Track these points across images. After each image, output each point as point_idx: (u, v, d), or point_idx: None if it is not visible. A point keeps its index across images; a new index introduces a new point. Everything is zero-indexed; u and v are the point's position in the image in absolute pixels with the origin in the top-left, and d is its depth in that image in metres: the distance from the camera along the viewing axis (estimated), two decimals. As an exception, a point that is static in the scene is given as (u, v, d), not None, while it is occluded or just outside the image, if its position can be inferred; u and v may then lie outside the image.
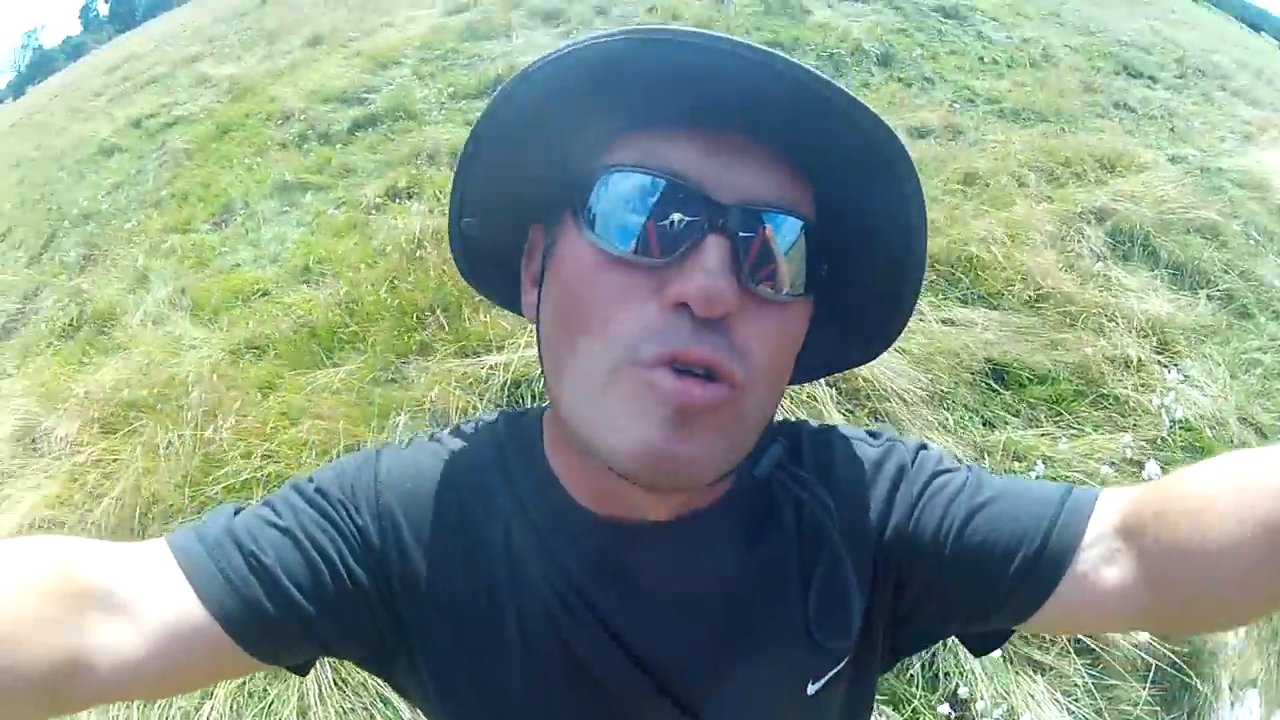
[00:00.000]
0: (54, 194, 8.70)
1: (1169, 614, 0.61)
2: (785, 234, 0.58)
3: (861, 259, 0.64)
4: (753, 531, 0.70)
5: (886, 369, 3.41)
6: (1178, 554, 0.57)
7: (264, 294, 5.01)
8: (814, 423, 0.78)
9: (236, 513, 0.65)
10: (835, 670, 0.69)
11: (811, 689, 0.68)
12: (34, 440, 4.30)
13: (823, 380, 3.21)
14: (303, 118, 7.87)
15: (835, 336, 0.71)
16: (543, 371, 0.65)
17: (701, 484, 0.60)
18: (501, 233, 0.70)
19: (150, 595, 0.57)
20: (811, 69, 0.53)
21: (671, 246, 0.56)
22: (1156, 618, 0.61)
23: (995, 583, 0.65)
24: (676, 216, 0.56)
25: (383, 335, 4.03)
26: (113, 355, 4.83)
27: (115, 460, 3.82)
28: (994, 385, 3.55)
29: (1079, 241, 4.66)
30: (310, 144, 7.27)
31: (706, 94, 0.55)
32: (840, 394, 3.34)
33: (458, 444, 0.74)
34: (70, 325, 5.63)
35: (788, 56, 0.53)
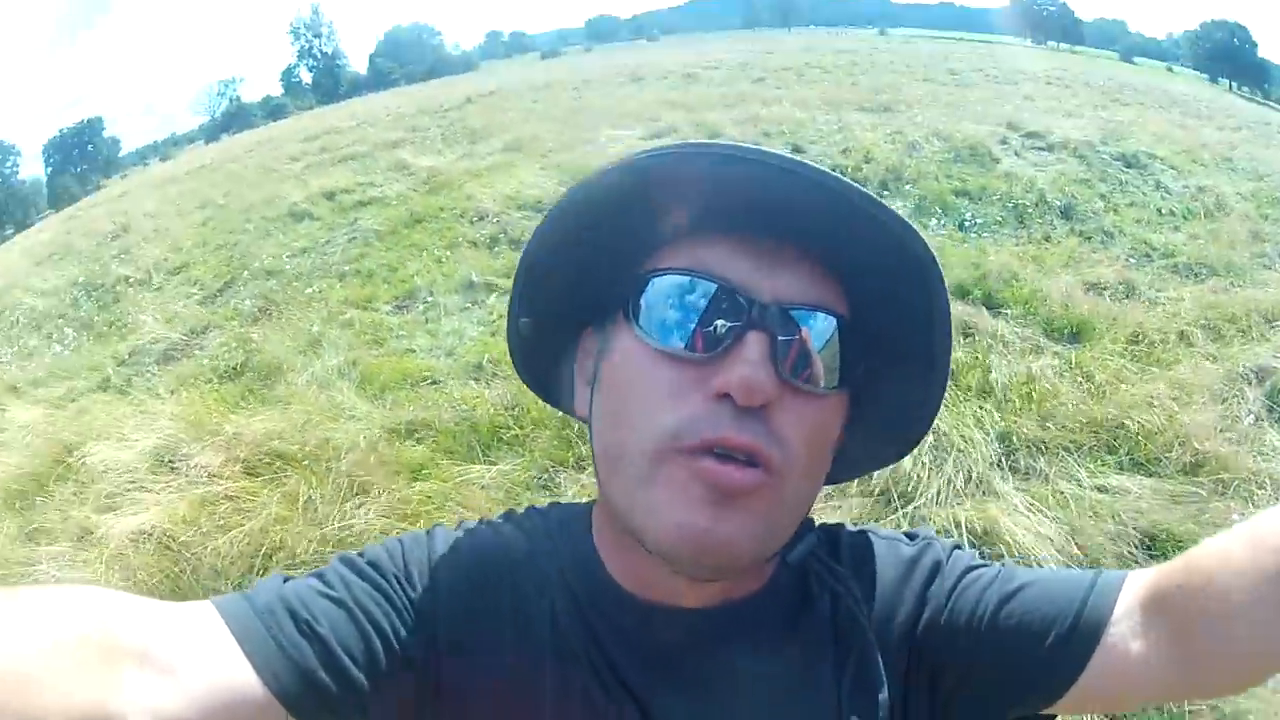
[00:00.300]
0: (237, 244, 9.31)
1: (1195, 678, 0.61)
2: (819, 331, 0.62)
3: (892, 359, 0.67)
4: (788, 623, 0.72)
5: (1034, 534, 3.34)
6: (1198, 618, 0.58)
7: (433, 382, 5.20)
8: (852, 525, 0.80)
9: (286, 581, 0.65)
10: None
11: None
12: (173, 462, 4.46)
13: (964, 540, 3.15)
14: (496, 220, 8.23)
15: (869, 436, 0.73)
16: (594, 464, 0.69)
17: (739, 566, 0.63)
18: (556, 335, 0.75)
19: (194, 656, 0.56)
20: (842, 179, 0.59)
21: (715, 343, 0.61)
22: (1185, 684, 0.62)
23: (1030, 660, 0.65)
24: (720, 316, 0.61)
25: (542, 443, 4.13)
26: (271, 406, 5.10)
27: (251, 500, 3.94)
28: (1141, 556, 3.44)
29: (1239, 403, 4.53)
30: (500, 247, 7.62)
31: (746, 204, 0.61)
32: (982, 556, 3.15)
33: (509, 527, 0.76)
34: (234, 369, 5.93)
35: (816, 166, 0.59)
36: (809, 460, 0.64)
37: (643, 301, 0.64)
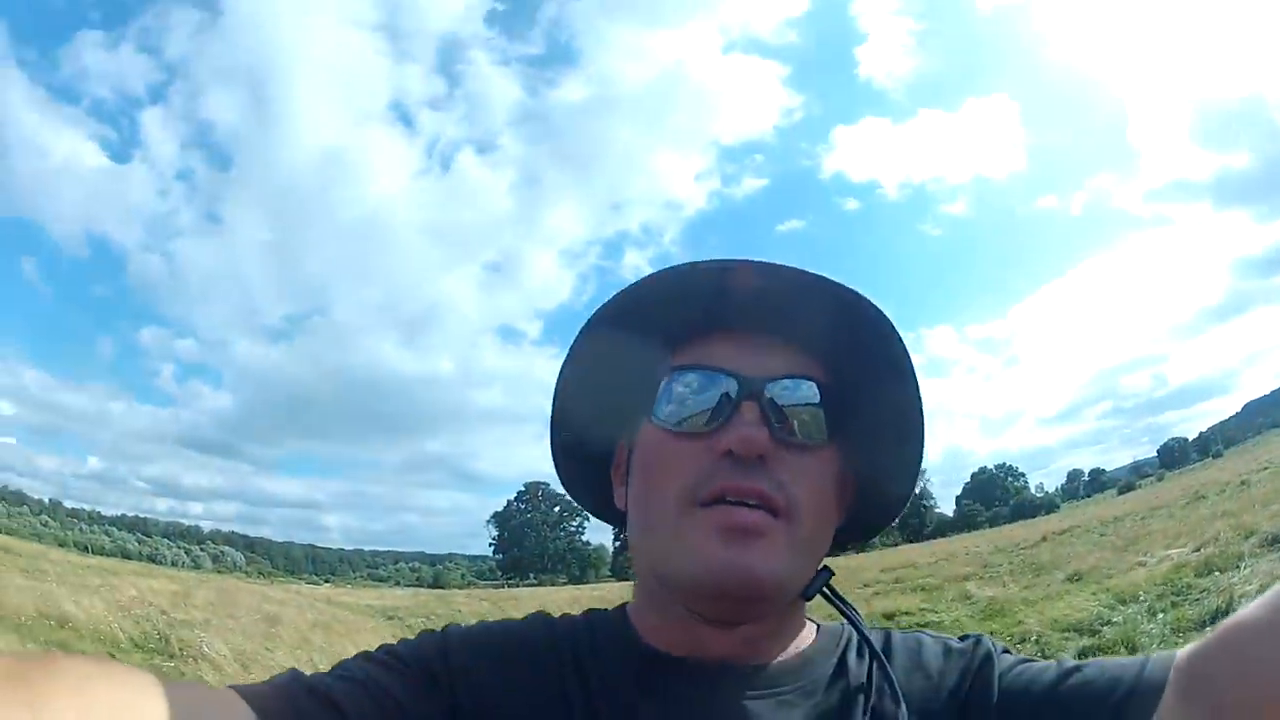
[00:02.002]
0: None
1: None
2: (802, 394, 0.76)
3: (872, 420, 0.79)
4: (816, 693, 0.77)
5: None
6: (1231, 696, 0.60)
7: None
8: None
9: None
10: None
11: None
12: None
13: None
14: (1035, 640, 9.01)
15: (868, 498, 0.85)
16: (630, 545, 0.83)
17: (758, 595, 0.72)
18: (591, 447, 0.89)
19: None
20: (807, 272, 0.76)
21: (718, 416, 0.75)
22: None
23: (1096, 711, 0.68)
24: (719, 394, 0.75)
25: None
26: None
27: None
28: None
29: None
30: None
31: (731, 307, 0.77)
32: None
33: (534, 616, 0.87)
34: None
35: (786, 266, 0.76)
36: (812, 505, 0.75)
37: (659, 396, 0.78)
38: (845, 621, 0.85)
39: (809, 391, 0.78)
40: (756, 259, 0.77)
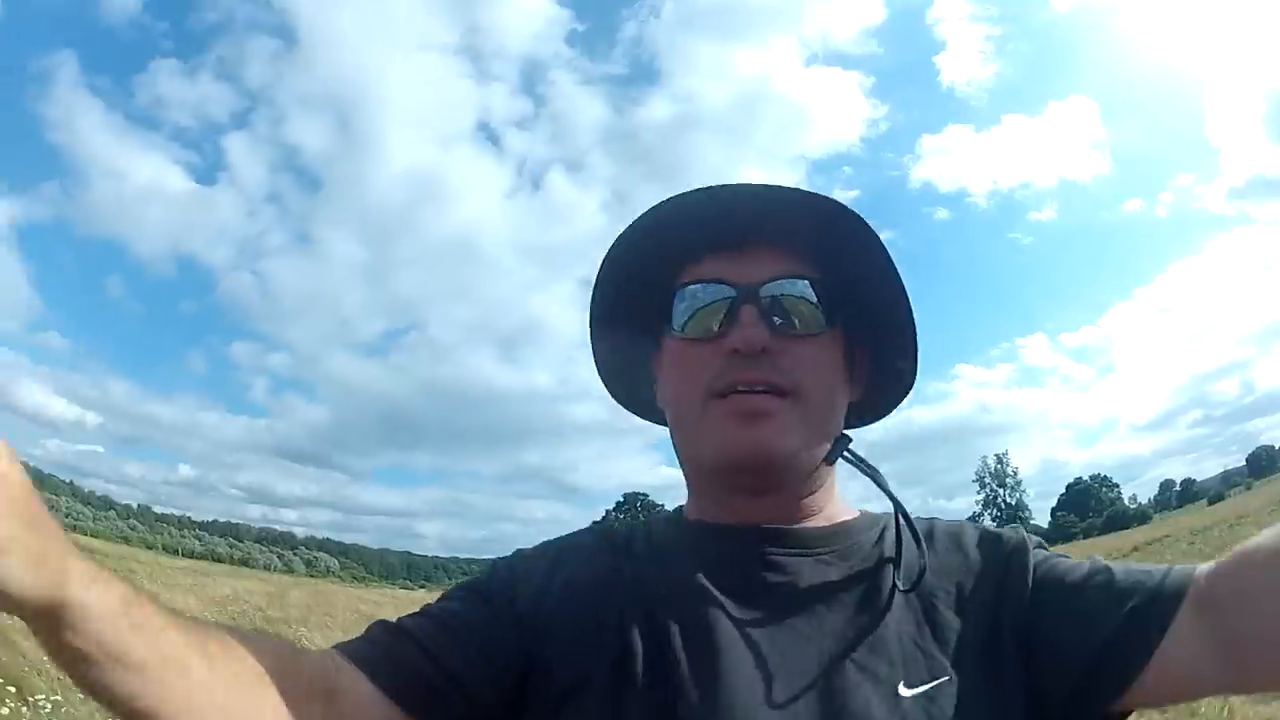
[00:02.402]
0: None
1: (1244, 674, 0.69)
2: (795, 290, 0.85)
3: (864, 304, 0.89)
4: (852, 558, 0.86)
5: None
6: (1245, 615, 0.67)
7: None
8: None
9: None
10: (935, 682, 0.76)
11: (905, 692, 0.75)
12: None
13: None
14: None
15: (877, 378, 0.95)
16: (671, 436, 0.93)
17: (777, 465, 0.83)
18: (637, 368, 0.99)
19: (341, 691, 0.72)
20: (784, 187, 0.86)
21: (723, 322, 0.85)
22: (1235, 678, 0.70)
23: (1110, 627, 0.74)
24: (720, 303, 0.85)
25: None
26: None
27: None
28: None
29: None
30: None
31: (724, 225, 0.86)
32: None
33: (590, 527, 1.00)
34: None
35: (766, 184, 0.85)
36: (816, 383, 0.84)
37: (673, 312, 0.89)
38: (891, 508, 0.89)
39: (801, 287, 0.86)
40: (741, 182, 0.86)
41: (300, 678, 0.69)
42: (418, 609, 0.85)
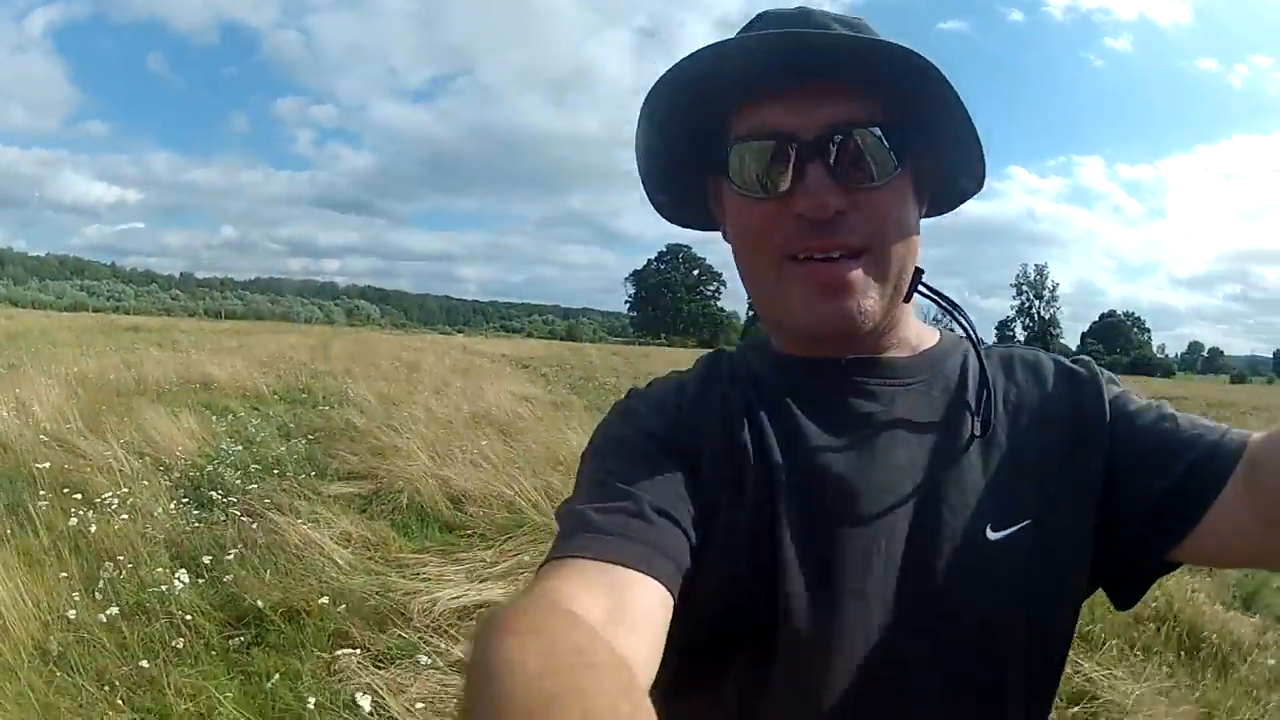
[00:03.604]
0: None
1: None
2: (862, 141, 0.77)
3: (930, 124, 0.80)
4: (935, 387, 0.86)
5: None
6: None
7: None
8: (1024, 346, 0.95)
9: (583, 508, 0.75)
10: (1019, 525, 0.78)
11: (992, 535, 0.78)
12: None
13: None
14: None
15: (946, 180, 0.89)
16: (742, 279, 0.88)
17: (868, 324, 0.80)
18: (680, 188, 0.93)
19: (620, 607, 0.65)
20: (836, 32, 0.78)
21: (788, 179, 0.78)
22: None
23: (1174, 472, 0.75)
24: (786, 160, 0.78)
25: None
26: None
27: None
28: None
29: None
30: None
31: (781, 65, 0.76)
32: None
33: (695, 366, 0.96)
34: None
35: (817, 31, 0.77)
36: (892, 232, 0.80)
37: (730, 167, 0.82)
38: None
39: (869, 132, 0.78)
40: (780, 11, 0.82)
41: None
42: (603, 476, 0.80)
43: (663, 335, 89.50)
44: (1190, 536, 0.74)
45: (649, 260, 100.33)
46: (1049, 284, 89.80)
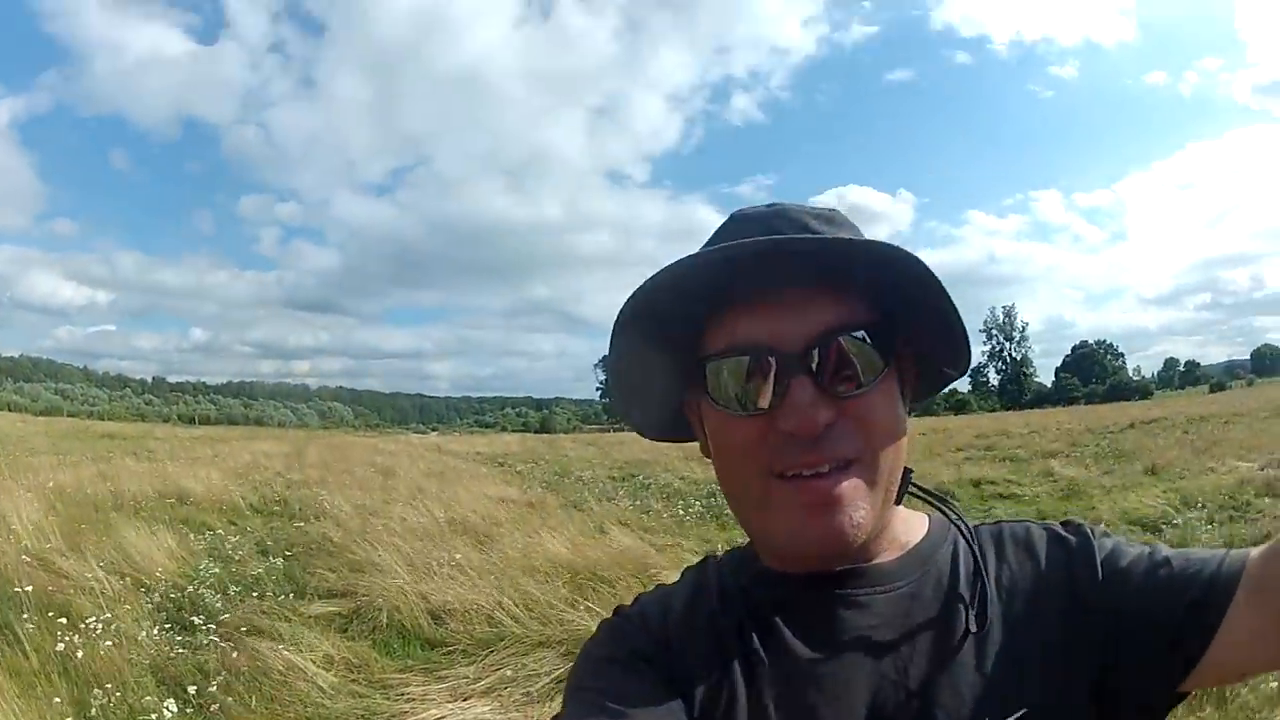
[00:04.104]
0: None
1: None
2: (848, 347, 0.75)
3: (912, 315, 0.78)
4: (924, 587, 0.83)
5: None
6: None
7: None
8: (1012, 519, 0.92)
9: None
10: (1017, 715, 0.74)
11: None
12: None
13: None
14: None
15: (930, 369, 0.87)
16: (727, 497, 0.85)
17: (860, 537, 0.76)
18: (652, 405, 0.91)
19: None
20: (812, 236, 0.77)
21: (772, 395, 0.75)
22: None
23: (1172, 614, 0.74)
24: (766, 375, 0.75)
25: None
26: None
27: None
28: None
29: None
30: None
31: (758, 274, 0.74)
32: None
33: (686, 576, 0.94)
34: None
35: (793, 236, 0.76)
36: (883, 436, 0.77)
37: (709, 385, 0.79)
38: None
39: (855, 340, 0.76)
40: (752, 211, 0.82)
41: None
42: (593, 696, 0.79)
43: None
44: (1197, 667, 0.73)
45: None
46: (1018, 324, 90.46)
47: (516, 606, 6.11)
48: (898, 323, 0.79)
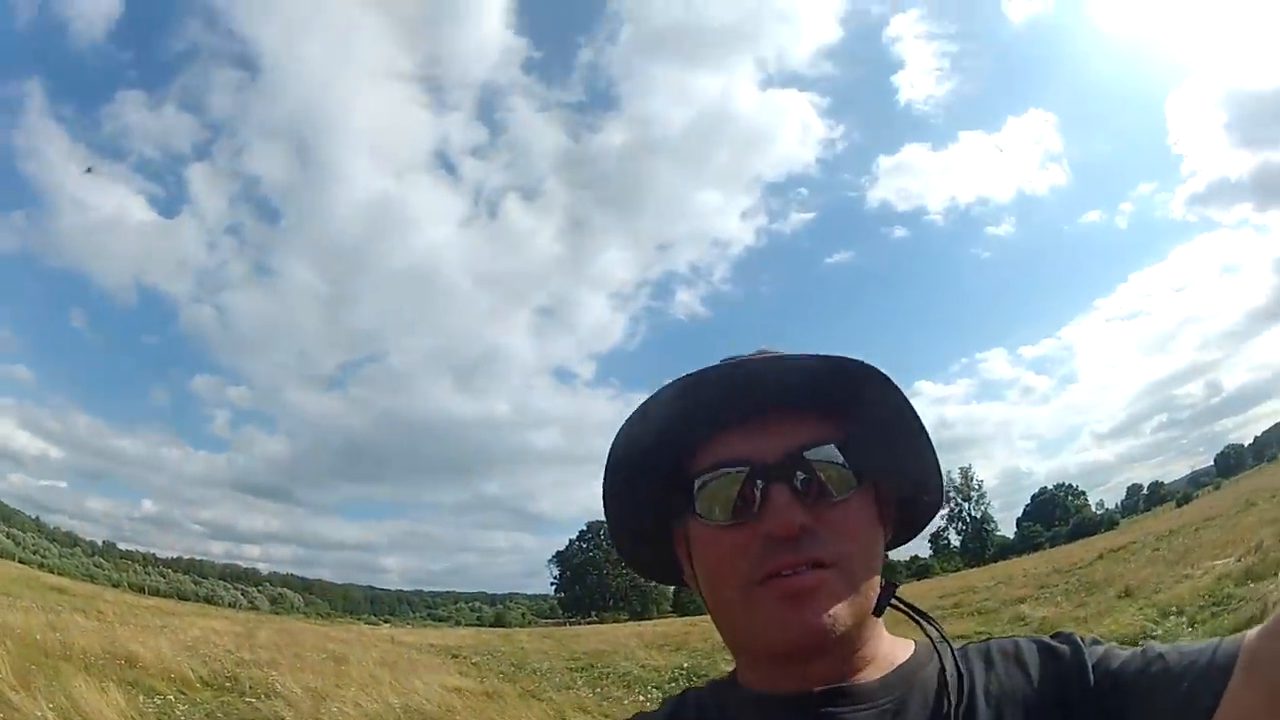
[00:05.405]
0: None
1: None
2: (822, 456, 0.82)
3: (889, 448, 0.86)
4: (913, 696, 0.84)
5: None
6: None
7: None
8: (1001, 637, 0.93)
9: None
10: None
11: None
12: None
13: None
14: None
15: (905, 507, 0.92)
16: (711, 617, 0.90)
17: (838, 629, 0.79)
18: (656, 543, 0.96)
19: None
20: (784, 355, 0.86)
21: (752, 506, 0.82)
22: None
23: (1169, 705, 0.73)
24: (748, 485, 0.82)
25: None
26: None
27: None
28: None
29: None
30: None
31: (738, 399, 0.84)
32: None
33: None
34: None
35: (770, 356, 0.86)
36: (857, 545, 0.83)
37: (696, 502, 0.85)
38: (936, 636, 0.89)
39: (827, 452, 0.83)
40: (739, 357, 0.89)
41: None
42: None
43: (593, 613, 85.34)
44: None
45: (570, 540, 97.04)
46: (974, 484, 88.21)
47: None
48: (871, 441, 0.85)
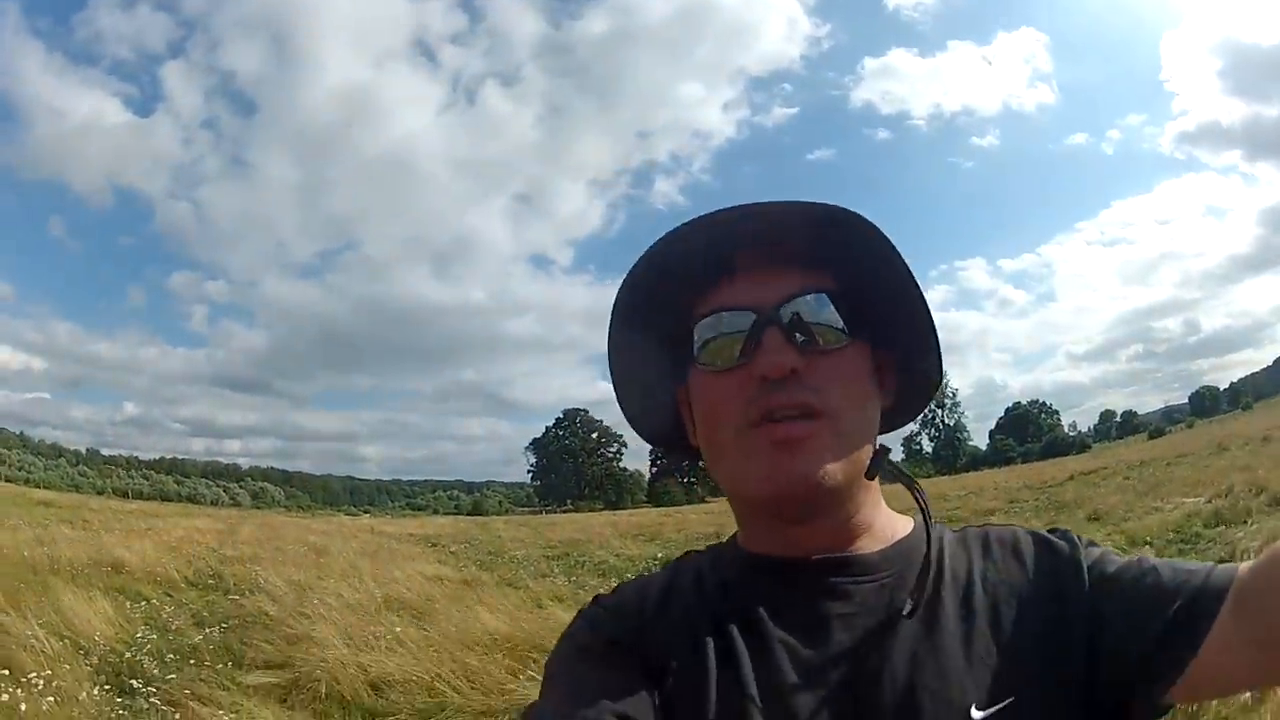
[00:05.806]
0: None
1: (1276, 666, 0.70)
2: (814, 305, 0.83)
3: (884, 309, 0.86)
4: (907, 580, 0.84)
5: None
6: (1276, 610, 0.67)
7: None
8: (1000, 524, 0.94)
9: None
10: (1004, 703, 0.75)
11: (976, 715, 0.75)
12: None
13: None
14: None
15: (905, 382, 0.92)
16: (709, 470, 0.90)
17: (823, 491, 0.80)
18: (654, 405, 0.97)
19: None
20: (784, 201, 0.82)
21: (746, 349, 0.82)
22: (1272, 671, 0.72)
23: (1162, 620, 0.74)
24: (742, 330, 0.83)
25: None
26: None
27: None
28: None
29: None
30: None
31: (734, 246, 0.84)
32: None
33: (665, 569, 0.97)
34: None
35: (771, 201, 0.82)
36: (847, 399, 0.82)
37: (695, 346, 0.86)
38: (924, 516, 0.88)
39: (820, 302, 0.84)
40: (743, 204, 0.84)
41: None
42: (566, 681, 0.83)
43: (568, 501, 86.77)
44: (1184, 677, 0.73)
45: (547, 428, 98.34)
46: (949, 392, 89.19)
47: (457, 678, 6.12)
48: (865, 294, 0.85)
